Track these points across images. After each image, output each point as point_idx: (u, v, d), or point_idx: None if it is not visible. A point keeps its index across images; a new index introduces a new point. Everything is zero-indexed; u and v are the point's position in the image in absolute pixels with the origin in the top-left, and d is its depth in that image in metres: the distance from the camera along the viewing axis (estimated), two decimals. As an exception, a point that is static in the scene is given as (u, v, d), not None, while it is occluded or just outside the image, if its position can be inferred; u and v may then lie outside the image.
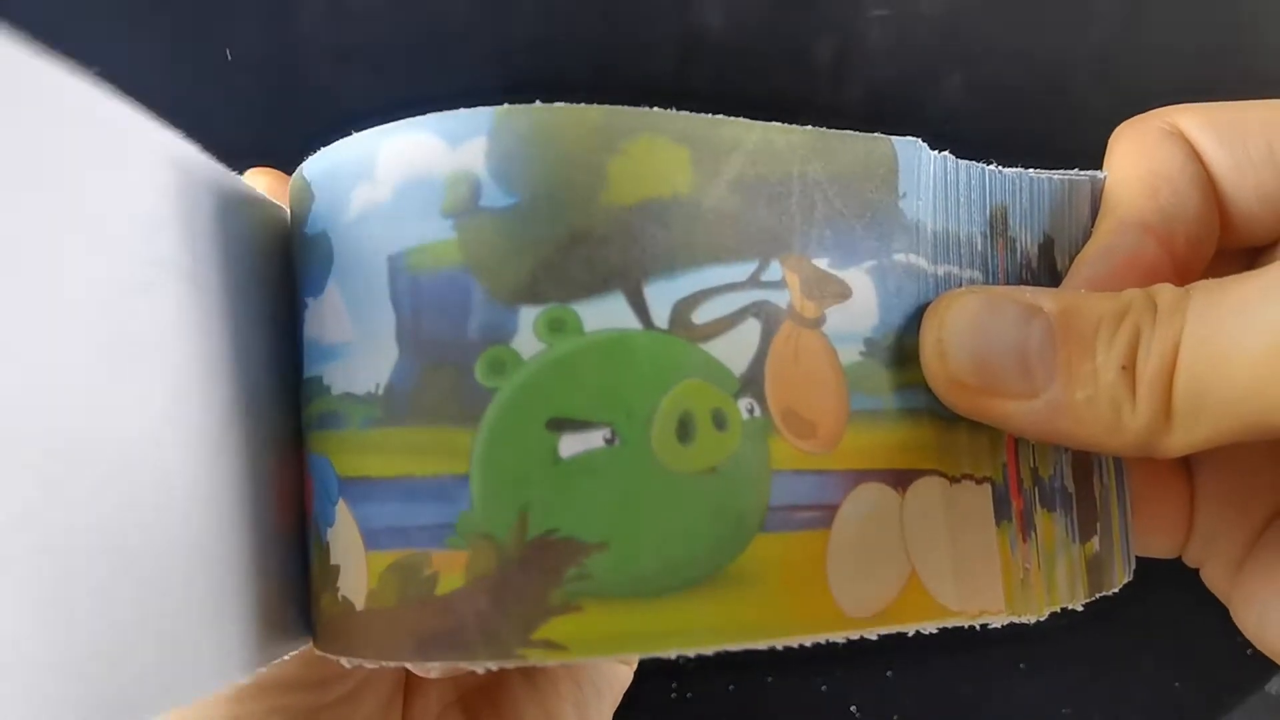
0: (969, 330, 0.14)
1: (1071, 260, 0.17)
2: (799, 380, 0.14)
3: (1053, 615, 0.16)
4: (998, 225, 0.16)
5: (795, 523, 0.13)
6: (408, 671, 0.22)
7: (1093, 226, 0.17)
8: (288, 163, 0.16)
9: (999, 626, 0.15)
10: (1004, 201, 0.16)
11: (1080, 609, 0.16)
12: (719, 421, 0.13)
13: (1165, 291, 0.14)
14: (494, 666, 0.13)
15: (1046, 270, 0.17)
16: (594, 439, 0.13)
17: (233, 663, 0.12)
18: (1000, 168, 0.16)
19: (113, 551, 0.10)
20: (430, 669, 0.16)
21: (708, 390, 0.13)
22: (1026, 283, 0.16)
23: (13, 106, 0.09)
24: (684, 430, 0.13)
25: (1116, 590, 0.17)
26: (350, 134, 0.14)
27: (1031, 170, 0.17)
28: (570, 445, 0.13)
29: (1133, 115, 0.17)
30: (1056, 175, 0.17)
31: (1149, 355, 0.13)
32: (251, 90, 0.31)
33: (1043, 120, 0.32)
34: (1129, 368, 0.13)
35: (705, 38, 0.31)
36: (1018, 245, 0.16)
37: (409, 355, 0.13)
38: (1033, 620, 0.15)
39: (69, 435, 0.10)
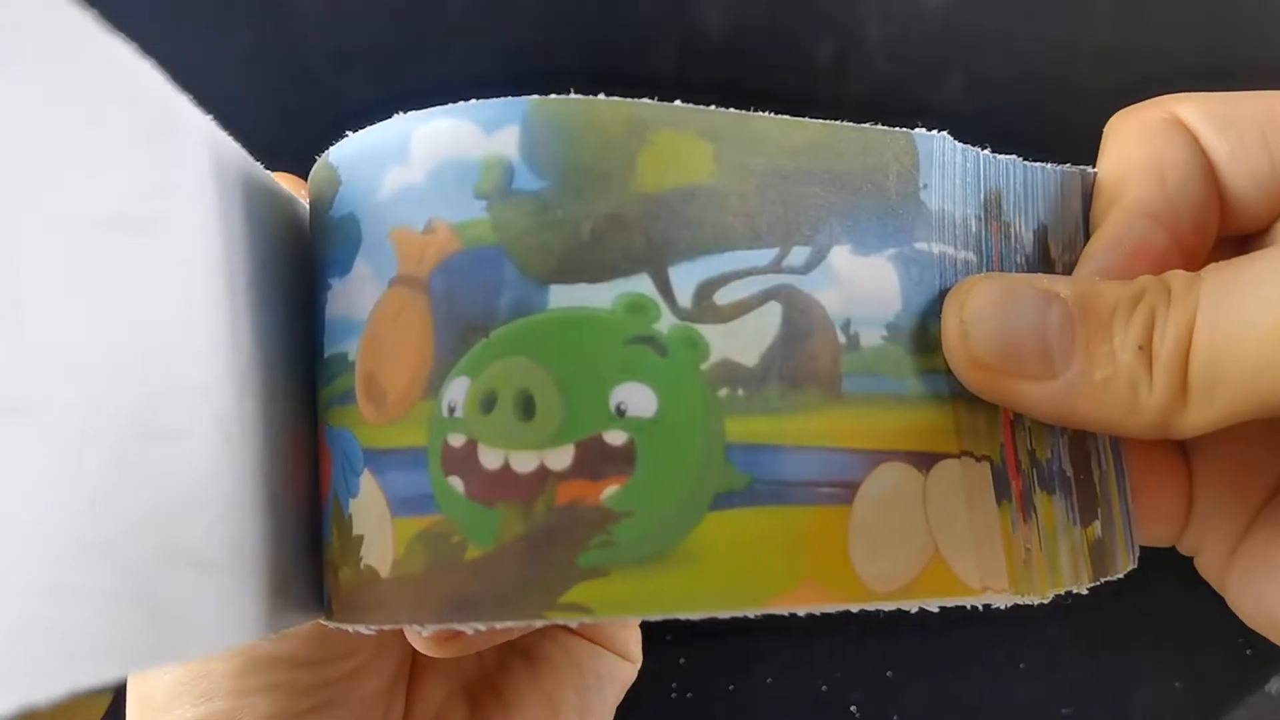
0: (990, 313, 0.15)
1: (1065, 250, 0.17)
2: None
3: (1055, 612, 0.16)
4: (991, 209, 0.16)
5: (817, 497, 0.14)
6: (413, 656, 0.22)
7: (1084, 219, 0.17)
8: (287, 162, 0.17)
9: (1002, 616, 0.15)
10: (998, 186, 0.16)
11: (1085, 592, 0.16)
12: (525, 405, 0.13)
13: (1178, 276, 0.14)
14: (519, 627, 0.13)
15: (1041, 258, 0.17)
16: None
17: (244, 624, 0.13)
18: (994, 154, 0.16)
19: (147, 483, 0.10)
20: (441, 645, 0.17)
21: (526, 368, 0.13)
22: (1021, 268, 0.16)
23: (80, 71, 0.10)
24: (486, 403, 0.13)
25: (1121, 576, 0.17)
26: (355, 129, 0.15)
27: (1023, 161, 0.17)
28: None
29: (1133, 112, 0.17)
30: (1049, 167, 0.17)
31: (1165, 335, 0.13)
32: (251, 90, 0.31)
33: (1043, 118, 0.32)
34: (1145, 348, 0.14)
35: (705, 38, 0.31)
36: (1012, 231, 0.16)
37: (440, 330, 0.13)
38: (1036, 602, 0.15)
39: (113, 347, 0.10)
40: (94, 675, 0.09)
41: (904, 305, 0.15)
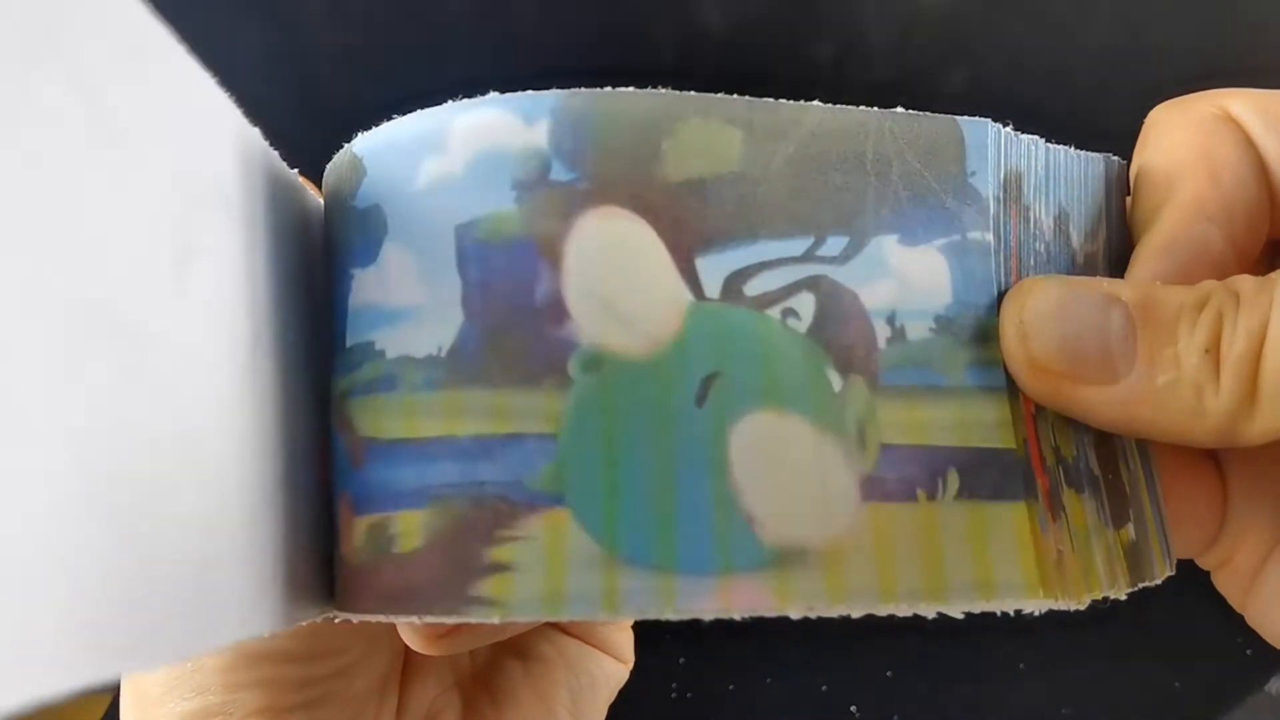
0: (1051, 315, 0.14)
1: (1087, 239, 0.17)
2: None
3: (1054, 613, 0.15)
4: (1011, 190, 0.15)
5: (891, 494, 0.14)
6: (406, 654, 0.22)
7: (1108, 208, 0.17)
8: (287, 162, 0.16)
9: (1003, 618, 0.14)
10: (1019, 167, 0.16)
11: (1124, 598, 0.15)
12: None
13: (1246, 280, 0.14)
14: (450, 621, 0.13)
15: (1063, 245, 0.16)
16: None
17: (259, 617, 0.13)
18: (1016, 132, 0.16)
19: (164, 484, 0.10)
20: (434, 642, 0.17)
21: None
22: (1040, 255, 0.16)
23: (140, 63, 0.10)
24: None
25: (1159, 582, 0.16)
26: (356, 133, 0.15)
27: (1045, 142, 0.16)
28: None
29: (1135, 113, 0.17)
30: (1071, 150, 0.16)
31: (1234, 339, 0.13)
32: (252, 90, 0.31)
33: (1043, 118, 0.32)
34: (1212, 351, 0.13)
35: (705, 39, 0.31)
36: (1031, 215, 0.16)
37: (474, 321, 0.14)
38: (1072, 607, 0.14)
39: (129, 328, 0.10)
40: (104, 672, 0.09)
41: (955, 296, 0.14)
